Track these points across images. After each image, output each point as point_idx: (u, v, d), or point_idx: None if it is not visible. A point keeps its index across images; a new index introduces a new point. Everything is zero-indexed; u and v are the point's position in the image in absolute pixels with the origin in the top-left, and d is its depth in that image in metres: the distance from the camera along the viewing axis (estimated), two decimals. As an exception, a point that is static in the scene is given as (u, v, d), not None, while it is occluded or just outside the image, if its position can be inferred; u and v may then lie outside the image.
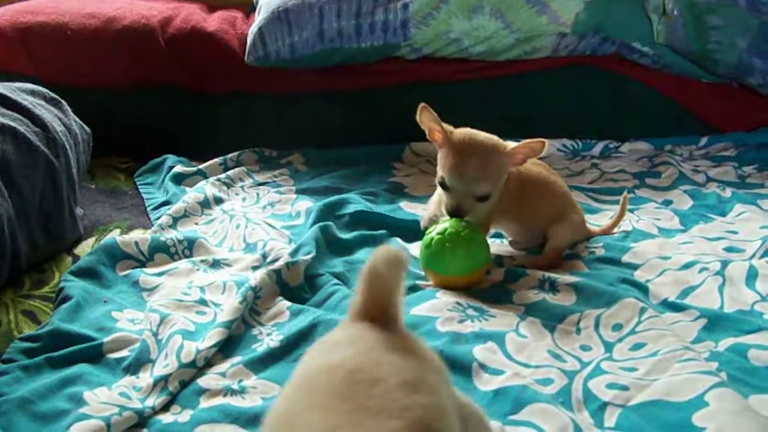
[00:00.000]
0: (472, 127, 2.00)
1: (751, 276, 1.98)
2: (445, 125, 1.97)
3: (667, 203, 2.55)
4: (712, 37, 3.00)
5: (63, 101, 2.43)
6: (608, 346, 1.72)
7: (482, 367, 1.62)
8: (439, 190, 2.03)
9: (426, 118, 1.97)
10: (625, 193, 2.34)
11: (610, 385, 1.57)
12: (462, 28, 2.96)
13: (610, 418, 1.48)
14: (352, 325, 1.13)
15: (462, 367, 1.62)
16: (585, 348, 1.72)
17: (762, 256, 2.10)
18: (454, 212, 1.96)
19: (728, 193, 2.56)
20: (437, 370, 1.11)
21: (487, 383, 1.58)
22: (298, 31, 2.91)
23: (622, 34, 3.04)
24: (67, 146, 2.29)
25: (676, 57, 3.06)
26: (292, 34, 2.92)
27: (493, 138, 1.99)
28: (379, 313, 1.11)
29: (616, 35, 3.04)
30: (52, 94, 2.41)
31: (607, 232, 2.28)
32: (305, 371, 1.06)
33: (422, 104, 1.97)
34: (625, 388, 1.55)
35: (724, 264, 2.02)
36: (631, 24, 3.04)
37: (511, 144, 2.00)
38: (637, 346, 1.69)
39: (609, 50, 3.07)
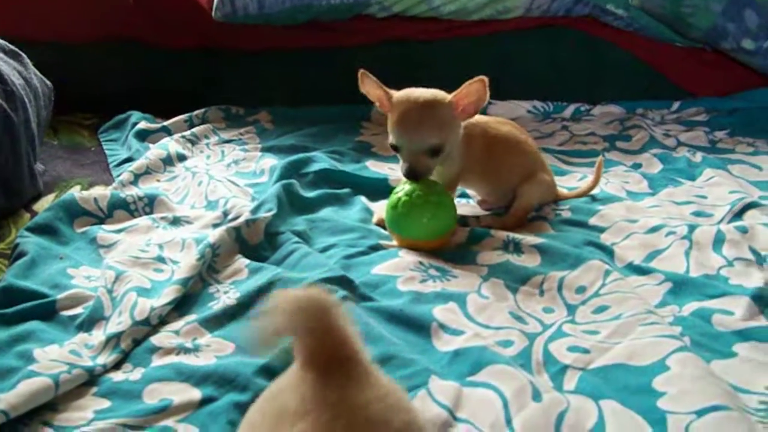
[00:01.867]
0: (442, 88, 1.96)
1: (718, 241, 1.96)
2: (387, 89, 1.93)
3: (637, 167, 2.53)
4: (687, 0, 2.97)
5: (23, 54, 2.38)
6: (571, 309, 1.70)
7: (442, 327, 1.59)
8: None
9: (368, 85, 1.94)
10: (600, 157, 2.31)
11: (572, 348, 1.54)
12: (433, -14, 2.92)
13: (570, 382, 1.46)
14: (308, 377, 0.97)
15: (421, 327, 1.59)
16: (547, 310, 1.70)
17: (730, 221, 2.08)
18: (410, 174, 1.91)
19: (698, 157, 2.54)
20: None
21: (446, 344, 1.55)
22: (266, -14, 2.87)
23: (595, -5, 3.00)
24: (26, 100, 2.24)
25: (650, 20, 3.04)
26: (261, -10, 2.87)
27: (433, 90, 1.94)
28: (331, 360, 0.98)
29: (589, -4, 3.00)
30: (12, 47, 2.36)
31: (579, 196, 2.26)
32: None
33: (361, 71, 1.93)
34: (586, 351, 1.53)
35: (692, 228, 2.00)
36: (605, -15, 3.00)
37: (452, 94, 1.94)
38: (600, 309, 1.67)
39: (583, 12, 3.04)
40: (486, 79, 1.89)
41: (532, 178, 2.14)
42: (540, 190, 2.15)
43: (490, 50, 3.02)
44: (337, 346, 0.99)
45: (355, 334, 1.02)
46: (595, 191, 2.27)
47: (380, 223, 2.06)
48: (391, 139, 1.93)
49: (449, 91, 1.93)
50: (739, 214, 2.12)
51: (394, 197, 1.95)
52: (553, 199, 2.22)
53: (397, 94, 1.93)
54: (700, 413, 1.31)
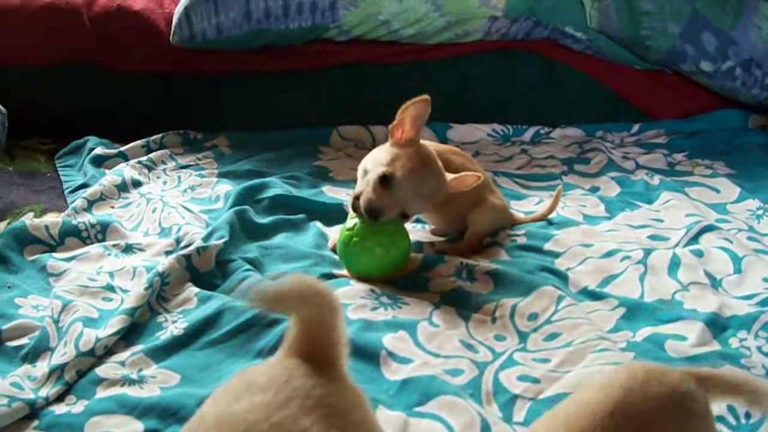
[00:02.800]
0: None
1: (674, 265, 1.97)
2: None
3: (594, 190, 2.52)
4: (645, 23, 2.98)
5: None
6: (523, 336, 1.69)
7: (391, 355, 1.58)
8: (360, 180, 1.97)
9: (419, 112, 1.89)
10: (560, 186, 2.30)
11: (522, 377, 1.54)
12: (392, 10, 2.90)
13: (520, 412, 1.46)
14: (284, 361, 1.02)
15: (370, 356, 1.58)
16: (499, 338, 1.69)
17: (686, 245, 2.08)
18: (374, 212, 1.86)
19: (656, 180, 2.54)
20: None
21: (395, 372, 1.54)
22: (224, 10, 2.84)
23: (554, 18, 3.00)
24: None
25: (609, 43, 3.04)
26: (219, 14, 2.84)
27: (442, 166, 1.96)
28: (316, 352, 1.02)
29: (548, 20, 3.00)
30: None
31: (535, 220, 2.24)
32: (204, 414, 0.96)
33: (425, 97, 1.88)
34: (536, 380, 1.53)
35: (647, 252, 2.00)
36: (564, 8, 3.00)
37: (450, 175, 1.96)
38: (552, 336, 1.67)
39: (541, 35, 3.03)
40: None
41: (481, 205, 2.12)
42: (490, 216, 2.14)
43: (450, 74, 3.01)
44: (324, 344, 1.03)
45: (345, 345, 1.06)
46: (551, 215, 2.25)
47: (335, 249, 2.04)
48: (395, 177, 1.88)
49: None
50: (695, 238, 2.11)
51: (346, 234, 1.91)
52: (508, 223, 2.20)
53: (427, 147, 1.96)
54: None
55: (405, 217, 1.93)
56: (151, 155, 2.69)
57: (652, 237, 2.16)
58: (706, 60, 3.00)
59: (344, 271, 1.95)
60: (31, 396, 1.47)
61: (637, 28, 2.98)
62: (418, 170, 1.89)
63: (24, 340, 1.67)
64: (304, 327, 1.03)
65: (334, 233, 2.11)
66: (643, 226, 2.23)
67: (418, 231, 2.22)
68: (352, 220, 1.93)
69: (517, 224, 2.21)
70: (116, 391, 1.50)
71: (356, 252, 1.89)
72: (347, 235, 1.91)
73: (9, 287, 1.86)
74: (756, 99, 3.06)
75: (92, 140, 2.79)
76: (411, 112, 1.89)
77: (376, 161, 1.92)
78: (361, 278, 1.91)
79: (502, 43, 3.04)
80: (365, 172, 1.92)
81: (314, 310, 1.02)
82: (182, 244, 2.04)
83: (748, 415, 1.44)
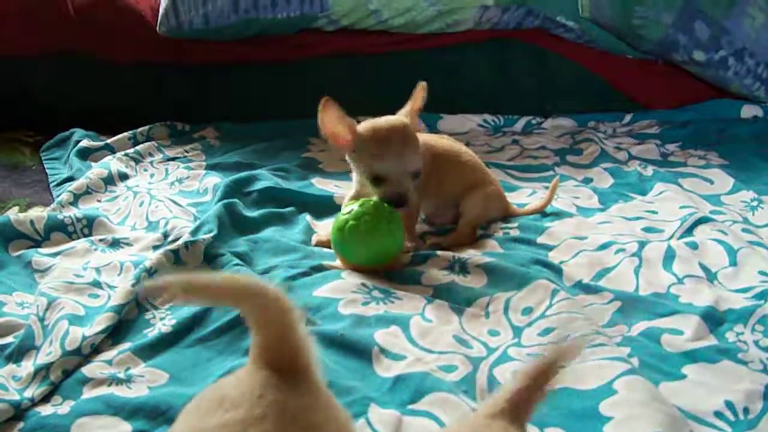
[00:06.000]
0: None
1: (669, 257, 1.94)
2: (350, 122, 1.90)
3: (587, 181, 2.50)
4: (638, 12, 2.95)
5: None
6: (517, 331, 1.66)
7: (383, 352, 1.55)
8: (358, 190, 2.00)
9: (329, 116, 1.88)
10: (557, 178, 2.27)
11: (514, 373, 1.51)
12: (381, -1, 2.88)
13: (515, 408, 1.42)
14: (255, 374, 0.97)
15: (362, 352, 1.55)
16: (493, 333, 1.66)
17: (680, 237, 2.06)
18: (400, 200, 1.88)
19: (650, 171, 2.51)
20: None
21: (387, 369, 1.51)
22: (212, 0, 2.81)
23: (546, 7, 2.98)
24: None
25: (601, 32, 3.02)
26: (206, 4, 2.81)
27: (392, 116, 1.95)
28: (284, 362, 0.98)
29: (540, 8, 2.98)
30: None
31: (530, 213, 2.22)
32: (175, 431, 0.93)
33: (326, 99, 1.86)
34: (531, 376, 1.50)
35: (642, 245, 1.98)
36: (555, -3, 2.98)
37: (402, 112, 1.96)
38: (547, 331, 1.64)
39: (533, 24, 3.01)
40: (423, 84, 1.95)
41: (474, 192, 2.10)
42: (483, 202, 2.11)
43: (440, 63, 2.98)
44: (290, 351, 0.98)
45: (311, 349, 1.01)
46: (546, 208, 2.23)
47: (319, 245, 2.02)
48: (378, 170, 1.88)
49: (400, 105, 1.93)
50: (689, 230, 2.09)
51: (341, 219, 1.90)
52: (503, 211, 2.19)
53: (365, 125, 1.91)
54: (646, 440, 1.29)
55: (417, 175, 1.92)
56: (138, 147, 2.66)
57: (647, 229, 2.13)
58: (699, 49, 2.98)
59: (336, 263, 1.92)
60: (16, 397, 1.43)
61: (629, 17, 2.96)
62: (381, 140, 1.89)
63: (8, 339, 1.63)
64: (263, 334, 0.99)
65: (322, 227, 2.09)
66: (637, 218, 2.20)
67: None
68: (347, 207, 1.92)
69: (511, 216, 2.19)
70: (103, 390, 1.47)
71: (351, 237, 1.87)
72: (343, 219, 1.88)
73: (-7, 284, 1.83)
74: (749, 89, 3.04)
75: (78, 132, 2.75)
76: (330, 117, 1.88)
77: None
78: (355, 267, 1.89)
79: (492, 33, 3.01)
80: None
81: (254, 306, 0.98)
82: (170, 239, 2.01)
83: (746, 411, 1.42)
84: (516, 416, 0.98)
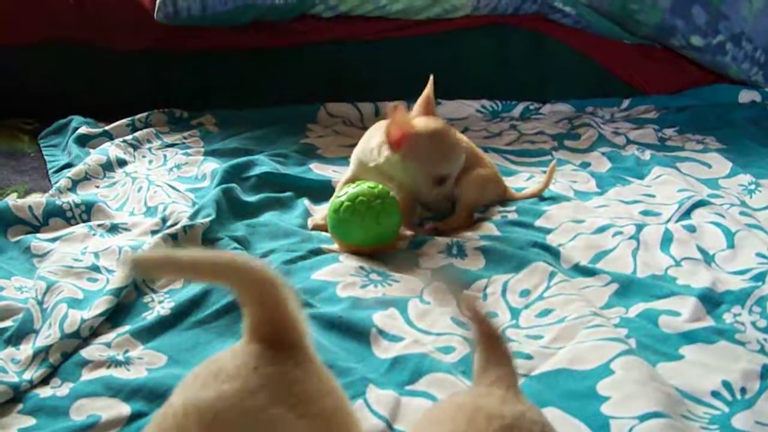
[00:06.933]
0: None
1: (666, 240, 1.95)
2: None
3: (585, 165, 2.50)
4: (634, -4, 2.96)
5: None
6: (515, 313, 1.67)
7: (381, 333, 1.55)
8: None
9: (403, 120, 1.91)
10: (554, 161, 2.28)
11: (515, 354, 1.49)
12: (379, -15, 2.88)
13: (512, 388, 1.43)
14: (250, 347, 0.99)
15: (360, 334, 1.56)
16: (491, 315, 1.66)
17: (678, 220, 2.06)
18: (448, 202, 2.03)
19: (647, 155, 2.52)
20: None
21: (385, 350, 1.52)
22: (209, -14, 2.81)
23: (543, -8, 2.97)
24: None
25: (598, 17, 3.01)
26: (203, -10, 2.81)
27: (431, 118, 2.00)
28: (277, 337, 0.99)
29: (537, -7, 2.97)
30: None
31: (528, 197, 2.22)
32: (172, 403, 0.93)
33: (398, 105, 1.89)
34: (529, 357, 1.51)
35: (639, 228, 1.99)
36: (553, -18, 2.97)
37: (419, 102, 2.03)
38: (545, 313, 1.65)
39: (530, 9, 3.00)
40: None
41: (469, 175, 2.10)
42: (480, 185, 2.12)
43: (438, 49, 2.98)
44: (282, 326, 1.00)
45: (302, 322, 1.03)
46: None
47: (316, 228, 2.02)
48: (442, 170, 1.94)
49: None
50: (687, 213, 2.09)
51: (336, 201, 1.91)
52: (500, 194, 2.19)
53: (421, 130, 1.93)
54: (643, 418, 1.30)
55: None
56: (136, 134, 2.66)
57: (644, 212, 2.14)
58: (696, 34, 2.98)
59: (334, 246, 1.93)
60: (15, 379, 1.44)
61: (626, 2, 2.96)
62: (445, 143, 1.97)
63: (7, 323, 1.64)
64: (254, 310, 1.00)
65: (320, 211, 2.10)
66: (634, 202, 2.21)
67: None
68: (342, 189, 1.93)
69: (509, 200, 2.19)
70: (102, 373, 1.47)
71: (346, 218, 1.87)
72: (338, 202, 1.89)
73: (-8, 269, 1.84)
74: (746, 74, 3.03)
75: (76, 119, 2.75)
76: (400, 121, 1.91)
77: None
78: (351, 249, 1.89)
79: (490, 18, 3.00)
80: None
81: (241, 282, 1.00)
82: (168, 223, 2.01)
83: (743, 391, 1.42)
84: (516, 385, 1.00)
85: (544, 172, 2.27)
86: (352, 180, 2.02)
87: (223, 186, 2.15)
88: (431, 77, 1.99)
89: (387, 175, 1.97)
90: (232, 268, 0.99)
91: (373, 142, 2.00)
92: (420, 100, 2.01)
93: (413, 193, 1.99)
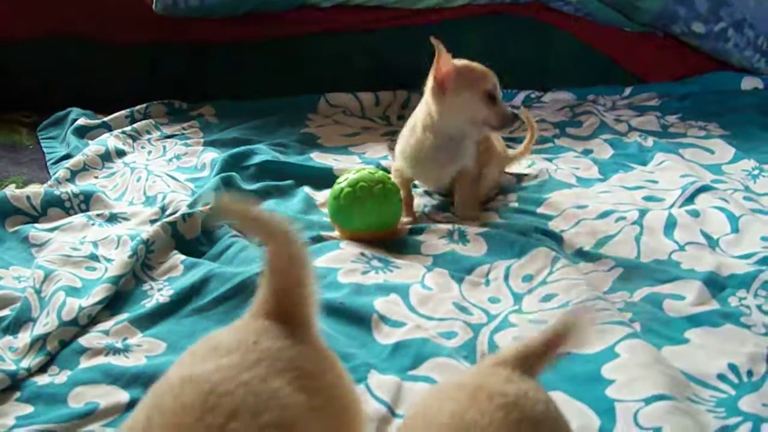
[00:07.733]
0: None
1: (670, 225, 1.93)
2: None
3: (587, 152, 2.49)
4: (636, -17, 2.94)
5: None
6: (518, 298, 1.65)
7: (382, 319, 1.54)
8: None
9: (446, 59, 1.98)
10: (524, 109, 2.33)
11: (518, 339, 1.49)
12: (378, -26, 2.86)
13: (516, 372, 1.41)
14: (252, 323, 0.99)
15: (362, 320, 1.55)
16: (493, 300, 1.65)
17: (681, 205, 2.05)
18: (515, 116, 2.02)
19: (650, 142, 2.50)
20: (341, 406, 0.99)
21: (387, 336, 1.51)
22: (206, -23, 2.80)
23: (544, -20, 2.96)
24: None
25: (599, 5, 2.99)
26: (202, -19, 2.80)
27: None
28: (285, 311, 0.99)
29: (538, -19, 2.96)
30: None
31: (522, 154, 2.27)
32: (169, 377, 0.91)
33: (435, 40, 1.96)
34: (532, 341, 1.49)
35: (642, 213, 1.97)
36: (554, -30, 2.96)
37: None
38: (548, 298, 1.63)
39: (531, -3, 2.99)
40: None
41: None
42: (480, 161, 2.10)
43: (438, 38, 2.96)
44: (296, 300, 1.00)
45: (315, 304, 1.03)
46: (544, 177, 2.23)
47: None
48: (488, 87, 1.99)
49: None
50: (690, 198, 2.07)
51: (336, 187, 1.90)
52: (498, 160, 2.19)
53: (463, 64, 2.01)
54: (648, 401, 1.28)
55: None
56: (135, 125, 2.66)
57: (647, 198, 2.12)
58: (698, 21, 2.96)
59: (335, 233, 1.92)
60: (13, 367, 1.43)
61: (627, -11, 2.95)
62: (483, 69, 2.05)
63: (5, 311, 1.62)
64: (273, 282, 1.00)
65: (325, 194, 2.08)
66: (637, 188, 2.19)
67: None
68: (343, 176, 1.92)
69: (508, 162, 2.25)
70: (100, 360, 1.46)
71: (347, 204, 1.87)
72: (338, 188, 1.89)
73: (-10, 258, 1.82)
74: (749, 60, 3.02)
75: (75, 111, 2.75)
76: (443, 62, 1.97)
77: None
78: (352, 235, 1.88)
79: (491, 7, 3.00)
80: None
81: (278, 246, 0.99)
82: (168, 212, 2.00)
83: (750, 373, 1.40)
84: (521, 368, 0.97)
85: (546, 158, 2.26)
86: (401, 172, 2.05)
87: (223, 174, 2.14)
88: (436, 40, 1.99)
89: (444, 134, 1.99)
90: (281, 231, 0.99)
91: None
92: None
93: (475, 124, 2.00)
